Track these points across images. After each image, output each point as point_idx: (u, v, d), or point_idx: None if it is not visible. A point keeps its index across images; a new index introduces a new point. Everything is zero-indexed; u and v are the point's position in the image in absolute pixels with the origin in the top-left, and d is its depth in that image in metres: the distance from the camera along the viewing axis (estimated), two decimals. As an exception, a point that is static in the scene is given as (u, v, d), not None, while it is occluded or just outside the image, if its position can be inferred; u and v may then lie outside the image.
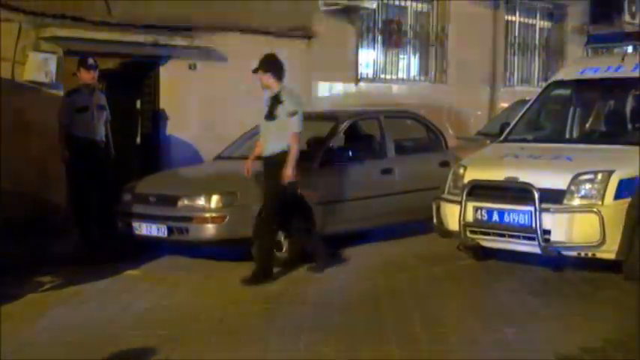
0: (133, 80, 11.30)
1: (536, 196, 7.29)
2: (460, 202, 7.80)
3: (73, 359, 5.56)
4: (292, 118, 7.87)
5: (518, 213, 7.48)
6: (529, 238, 7.43)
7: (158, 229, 8.34)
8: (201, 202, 8.21)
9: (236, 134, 10.31)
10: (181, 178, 9.29)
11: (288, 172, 7.80)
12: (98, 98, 9.26)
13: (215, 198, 8.19)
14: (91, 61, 9.19)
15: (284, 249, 8.39)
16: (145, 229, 8.45)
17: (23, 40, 9.55)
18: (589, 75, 8.87)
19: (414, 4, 14.82)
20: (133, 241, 8.75)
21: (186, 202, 8.28)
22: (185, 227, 8.19)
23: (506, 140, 8.85)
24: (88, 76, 9.14)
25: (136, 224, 8.52)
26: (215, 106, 11.43)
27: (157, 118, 11.33)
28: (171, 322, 6.38)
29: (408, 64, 14.92)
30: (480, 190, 7.82)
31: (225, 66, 11.55)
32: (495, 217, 7.65)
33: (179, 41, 10.95)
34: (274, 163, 7.88)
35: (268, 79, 7.98)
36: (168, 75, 11.24)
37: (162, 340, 5.88)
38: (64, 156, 9.04)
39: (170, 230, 8.27)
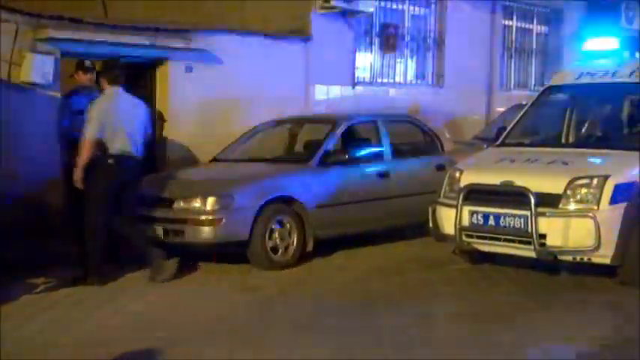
0: (130, 82, 11.29)
1: (532, 200, 7.29)
2: (456, 206, 7.80)
3: (68, 361, 5.56)
4: (85, 124, 7.92)
5: (514, 217, 7.48)
6: (525, 242, 7.43)
7: (153, 231, 8.33)
8: (197, 204, 8.21)
9: (232, 136, 10.32)
10: (177, 180, 9.27)
11: (75, 178, 7.81)
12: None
13: (211, 200, 8.19)
14: (87, 63, 9.20)
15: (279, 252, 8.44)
16: (141, 230, 8.45)
17: (20, 41, 9.52)
18: (585, 80, 8.88)
19: (412, 7, 14.82)
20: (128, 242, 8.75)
21: (182, 204, 8.28)
22: (181, 229, 8.19)
23: (502, 144, 8.85)
24: (85, 78, 9.16)
25: (131, 226, 8.51)
26: (212, 108, 11.42)
27: (154, 119, 11.32)
28: (167, 324, 6.38)
29: (405, 67, 14.92)
30: (476, 194, 7.82)
31: (222, 68, 11.55)
32: (491, 221, 7.65)
33: (176, 43, 10.94)
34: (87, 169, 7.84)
35: (103, 82, 8.19)
36: (165, 77, 11.24)
37: (159, 341, 5.87)
38: (63, 158, 9.03)
39: (165, 232, 8.27)
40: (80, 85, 9.17)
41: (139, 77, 11.36)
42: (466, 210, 7.78)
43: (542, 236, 7.31)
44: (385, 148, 9.80)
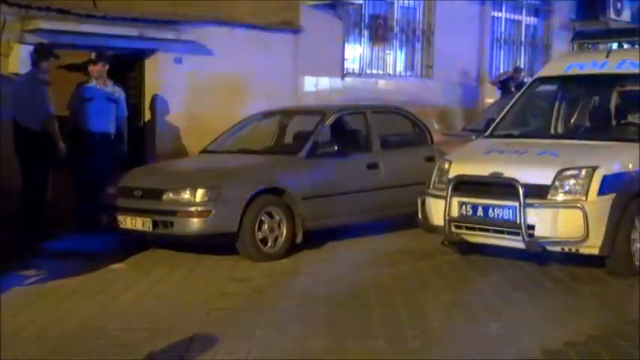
0: (119, 73, 11.27)
1: (521, 191, 7.31)
2: (445, 197, 7.82)
3: (58, 352, 5.54)
4: None
5: (502, 208, 7.51)
6: (513, 234, 7.46)
7: (143, 223, 8.32)
8: (186, 195, 8.19)
9: (222, 128, 10.32)
10: (167, 171, 9.27)
11: None
12: (110, 91, 9.70)
13: (200, 192, 8.17)
14: (93, 55, 9.56)
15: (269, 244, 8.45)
16: (130, 222, 8.44)
17: (8, 32, 9.50)
18: (574, 71, 8.91)
19: (401, -1, 14.84)
20: (117, 234, 8.74)
21: (171, 195, 8.26)
22: (170, 221, 8.17)
23: (491, 136, 8.87)
24: (94, 69, 9.65)
25: (120, 218, 8.50)
26: (201, 99, 11.41)
27: (143, 111, 11.31)
28: (156, 316, 6.38)
29: (395, 59, 14.93)
30: (464, 185, 7.84)
31: (212, 60, 11.53)
32: (480, 212, 7.68)
33: (165, 34, 10.92)
34: None
35: None
36: (154, 68, 11.22)
37: (148, 333, 5.87)
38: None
39: (155, 224, 8.24)
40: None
41: (128, 69, 11.36)
42: (455, 201, 7.80)
43: (531, 227, 7.33)
44: (374, 140, 9.80)
